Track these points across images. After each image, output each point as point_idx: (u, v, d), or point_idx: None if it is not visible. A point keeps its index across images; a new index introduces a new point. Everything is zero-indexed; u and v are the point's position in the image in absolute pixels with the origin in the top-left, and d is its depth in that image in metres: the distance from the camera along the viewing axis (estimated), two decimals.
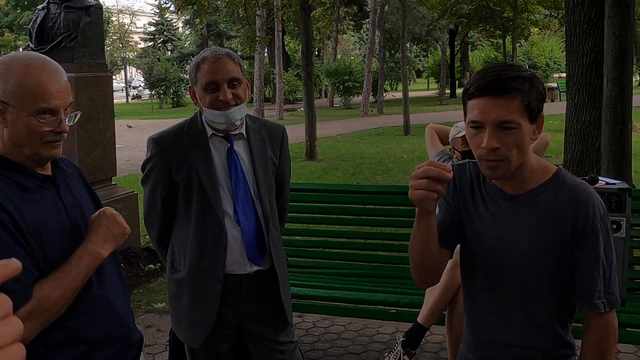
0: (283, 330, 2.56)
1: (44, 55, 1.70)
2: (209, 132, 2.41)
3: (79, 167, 1.97)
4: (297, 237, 4.81)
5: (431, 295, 3.35)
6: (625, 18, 4.42)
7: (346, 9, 37.73)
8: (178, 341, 2.57)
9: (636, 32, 35.99)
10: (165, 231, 2.51)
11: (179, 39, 58.29)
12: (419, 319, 3.43)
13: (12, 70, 1.61)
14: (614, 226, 3.25)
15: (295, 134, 18.41)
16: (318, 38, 41.01)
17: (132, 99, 54.64)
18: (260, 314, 2.50)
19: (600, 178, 3.48)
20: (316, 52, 44.49)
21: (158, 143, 2.43)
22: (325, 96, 40.10)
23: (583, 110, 7.38)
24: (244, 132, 2.46)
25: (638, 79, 35.72)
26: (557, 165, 1.75)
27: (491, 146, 1.58)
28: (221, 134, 2.41)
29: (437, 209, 1.79)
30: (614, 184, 3.43)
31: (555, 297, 1.71)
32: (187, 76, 2.27)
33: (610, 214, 3.25)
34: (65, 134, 1.71)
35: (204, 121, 2.41)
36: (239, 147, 2.44)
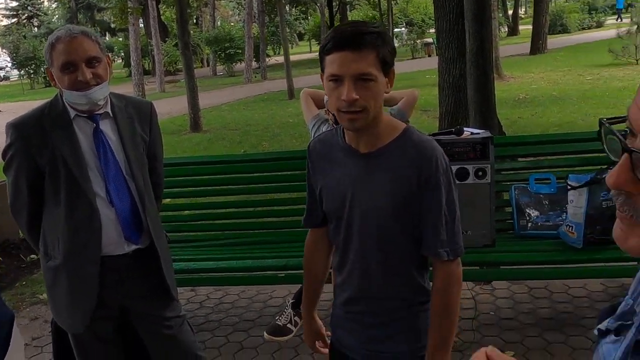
0: (168, 306, 2.55)
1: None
2: (72, 113, 2.33)
3: None
4: (185, 212, 4.77)
5: None
6: None
7: None
8: (61, 330, 2.50)
9: None
10: (35, 218, 2.42)
11: (45, 13, 54.85)
12: None
13: None
14: (480, 173, 3.47)
15: (178, 105, 18.04)
16: (195, 5, 39.93)
17: (0, 81, 51.05)
18: (143, 292, 2.49)
19: (465, 129, 3.68)
20: (194, 20, 43.37)
21: (18, 128, 2.32)
22: (208, 65, 39.31)
23: (453, 64, 7.71)
24: (110, 111, 2.39)
25: (506, 29, 37.67)
26: (406, 123, 1.85)
27: (350, 98, 1.65)
28: (85, 115, 2.34)
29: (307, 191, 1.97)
30: (478, 133, 3.64)
31: (409, 248, 1.81)
32: None
33: (475, 162, 3.48)
34: None
35: (66, 102, 2.32)
36: (106, 127, 2.38)
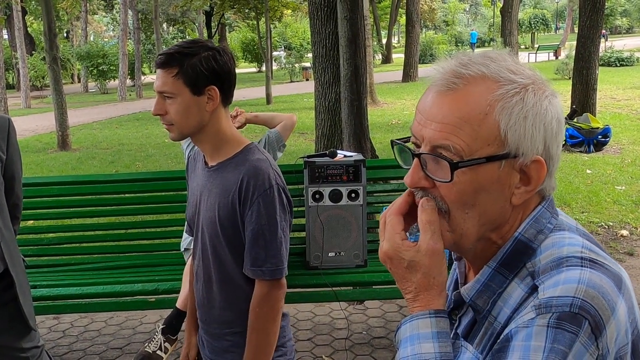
0: (25, 337, 2.37)
1: None
2: None
3: None
4: (50, 235, 4.49)
5: (187, 278, 3.35)
6: (355, 2, 4.80)
7: None
8: None
9: (377, 14, 39.32)
10: None
11: None
12: (177, 304, 3.42)
13: None
14: (353, 195, 3.55)
15: (46, 122, 17.11)
16: (65, 19, 38.27)
17: None
18: None
19: (339, 152, 3.76)
20: (65, 34, 41.52)
21: None
22: (79, 81, 37.65)
23: (329, 88, 7.88)
24: None
25: (380, 57, 39.25)
26: (251, 142, 1.91)
27: (154, 112, 1.79)
28: None
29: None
30: (351, 156, 3.73)
31: (240, 261, 1.84)
32: None
33: (348, 184, 3.56)
34: None
35: None
36: None
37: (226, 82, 1.80)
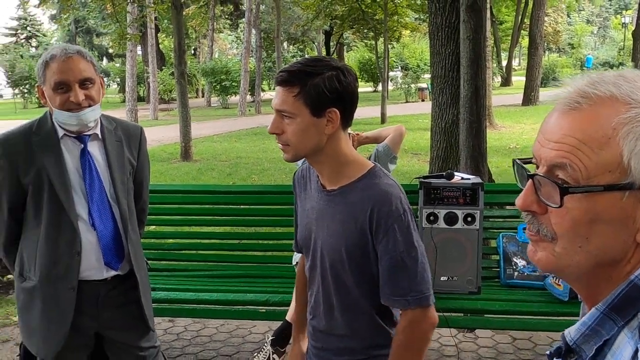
0: (145, 336, 2.48)
1: None
2: (60, 132, 2.29)
3: None
4: (170, 240, 4.70)
5: (298, 292, 3.38)
6: (478, 22, 4.70)
7: (222, 8, 37.39)
8: (30, 354, 2.42)
9: (498, 35, 38.35)
10: (13, 238, 2.35)
11: (44, 34, 55.14)
12: (288, 317, 3.45)
13: None
14: (469, 219, 3.44)
15: (170, 134, 18.04)
16: (194, 36, 40.34)
17: None
18: (120, 320, 2.42)
19: (456, 174, 3.67)
20: (192, 51, 43.73)
21: (3, 144, 2.28)
22: (202, 96, 39.48)
23: (446, 109, 7.75)
24: (99, 133, 2.36)
25: (499, 80, 38.24)
26: (374, 164, 1.82)
27: (270, 131, 1.73)
28: (73, 135, 2.30)
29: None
30: (469, 179, 3.63)
31: (368, 289, 1.76)
32: None
33: (465, 207, 3.46)
34: None
35: (55, 122, 2.29)
36: (94, 148, 2.34)
37: (348, 104, 1.71)
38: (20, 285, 2.35)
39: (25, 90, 36.96)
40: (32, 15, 52.43)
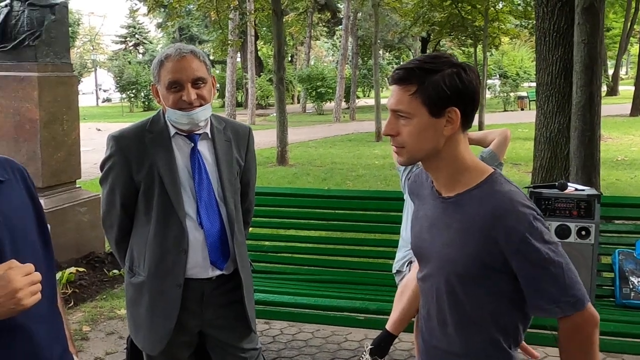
0: (246, 337, 2.47)
1: None
2: (172, 131, 2.32)
3: (23, 171, 1.73)
4: (266, 243, 4.73)
5: (400, 301, 3.28)
6: (595, 25, 4.44)
7: (319, 15, 37.82)
8: (136, 348, 2.46)
9: (604, 43, 36.72)
10: (124, 233, 2.41)
11: (150, 42, 57.80)
12: (387, 326, 3.35)
13: None
14: (583, 232, 3.23)
15: (267, 139, 18.36)
16: (291, 44, 40.99)
17: (103, 102, 53.96)
18: (222, 319, 2.42)
19: (569, 184, 3.46)
20: (289, 58, 44.47)
21: (118, 141, 2.33)
22: (298, 102, 40.07)
23: (552, 117, 7.41)
24: (209, 132, 2.38)
25: (605, 89, 36.45)
26: (494, 169, 1.68)
27: (384, 132, 1.63)
28: (184, 134, 2.33)
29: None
30: (583, 190, 3.42)
31: (486, 304, 1.62)
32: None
33: (579, 220, 3.25)
34: None
35: (167, 120, 2.32)
36: (203, 147, 2.36)
37: (469, 104, 1.59)
38: (130, 281, 2.41)
39: (132, 95, 38.83)
40: (140, 24, 55.10)
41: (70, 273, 5.40)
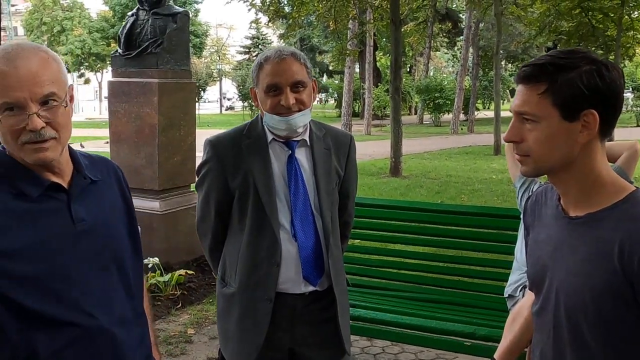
0: (339, 358, 2.32)
1: (18, 42, 1.46)
2: (269, 137, 2.23)
3: (118, 171, 1.73)
4: (373, 256, 4.56)
5: (510, 330, 2.99)
6: None
7: (440, 26, 37.22)
8: None
9: None
10: (218, 241, 2.34)
11: None
12: (496, 356, 3.08)
13: None
14: None
15: (381, 149, 18.23)
16: (410, 54, 40.66)
17: (226, 110, 56.22)
18: (314, 338, 2.28)
19: None
20: (408, 69, 44.13)
21: (214, 146, 2.27)
22: (415, 113, 39.67)
23: None
24: (308, 139, 2.26)
25: None
26: (636, 187, 1.41)
27: (507, 138, 1.43)
28: (282, 140, 2.22)
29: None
30: None
31: (616, 345, 1.35)
32: None
33: None
34: (47, 132, 1.41)
35: (265, 125, 2.23)
36: (301, 155, 2.24)
37: (610, 107, 1.34)
38: (221, 291, 2.33)
39: (253, 103, 40.15)
40: (263, 35, 56.80)
41: (180, 275, 5.50)
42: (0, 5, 6.86)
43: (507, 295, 3.42)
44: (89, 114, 52.56)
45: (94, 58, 46.46)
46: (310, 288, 2.22)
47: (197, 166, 2.35)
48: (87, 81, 58.43)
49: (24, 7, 54.48)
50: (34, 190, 1.45)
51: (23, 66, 1.37)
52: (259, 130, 2.24)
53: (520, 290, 3.18)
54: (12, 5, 55.55)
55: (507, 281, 3.45)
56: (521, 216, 3.20)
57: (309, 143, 2.25)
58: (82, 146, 20.49)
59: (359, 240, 4.63)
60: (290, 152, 2.23)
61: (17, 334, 1.40)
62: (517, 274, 3.25)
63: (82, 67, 49.86)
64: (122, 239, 1.63)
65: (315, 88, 2.22)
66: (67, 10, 47.24)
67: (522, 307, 1.90)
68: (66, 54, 45.60)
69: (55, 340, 1.44)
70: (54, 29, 46.13)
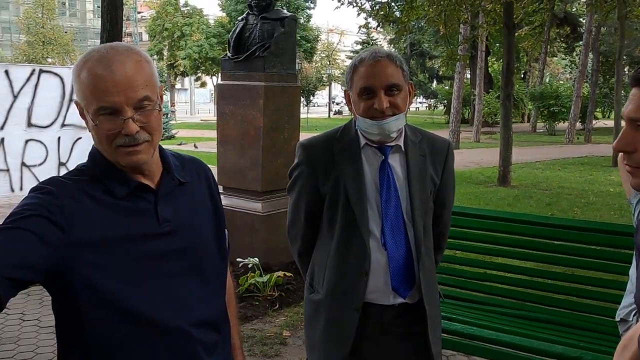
0: None
1: (111, 44, 1.47)
2: (362, 141, 2.16)
3: (208, 172, 1.73)
4: (473, 269, 4.36)
5: (621, 357, 2.76)
6: None
7: (558, 30, 35.62)
8: None
9: None
10: (308, 246, 2.30)
11: None
12: None
13: (77, 67, 1.43)
14: None
15: (490, 157, 17.70)
16: (524, 60, 39.25)
17: (334, 114, 56.75)
18: (402, 352, 2.18)
19: None
20: (521, 75, 42.63)
21: (306, 149, 2.23)
22: (528, 121, 38.23)
23: None
24: (402, 145, 2.17)
25: None
26: None
27: (617, 147, 1.31)
28: (375, 145, 2.15)
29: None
30: None
31: None
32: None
33: None
34: (141, 136, 1.43)
35: (357, 129, 2.16)
36: (395, 161, 2.16)
37: None
38: (309, 297, 2.29)
39: (347, 107, 40.16)
40: (373, 40, 56.82)
41: (279, 276, 5.55)
42: (118, 12, 7.24)
43: (619, 319, 3.15)
44: (204, 115, 54.79)
45: (210, 62, 48.33)
46: (400, 300, 2.13)
47: (289, 169, 2.33)
48: (203, 84, 61.00)
49: (148, 14, 57.68)
50: (122, 189, 1.47)
51: (119, 70, 1.39)
52: (352, 134, 2.18)
53: (635, 315, 2.92)
54: (138, 13, 59.05)
55: (619, 303, 3.18)
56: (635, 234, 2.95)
57: (403, 149, 2.16)
58: (195, 147, 21.36)
59: (460, 252, 4.46)
60: (383, 157, 2.14)
61: (96, 322, 1.43)
62: (631, 297, 2.99)
63: (198, 71, 52.03)
64: (207, 241, 1.62)
65: (411, 92, 2.13)
66: (187, 17, 49.44)
67: (636, 333, 1.71)
68: (184, 58, 47.79)
69: (133, 334, 1.45)
70: (175, 34, 48.39)
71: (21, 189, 7.90)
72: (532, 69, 42.47)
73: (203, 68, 50.69)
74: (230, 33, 6.59)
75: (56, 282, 1.39)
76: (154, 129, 1.46)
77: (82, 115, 1.47)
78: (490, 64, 38.86)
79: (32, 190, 1.43)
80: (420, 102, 68.57)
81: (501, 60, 32.41)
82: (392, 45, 50.49)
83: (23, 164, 7.83)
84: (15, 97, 7.49)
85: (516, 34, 16.05)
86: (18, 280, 1.28)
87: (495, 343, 3.36)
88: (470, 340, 3.43)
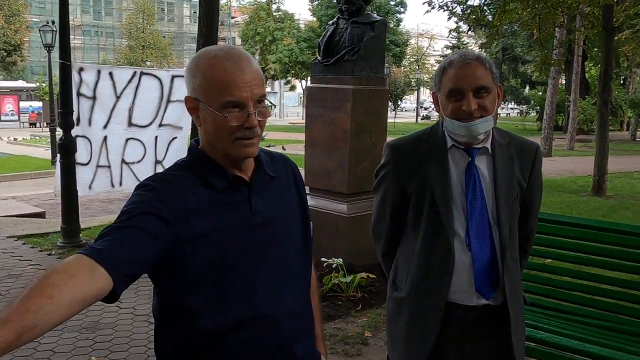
0: None
1: (231, 45, 1.59)
2: (449, 143, 2.18)
3: (296, 170, 1.82)
4: (563, 277, 4.24)
5: None
6: None
7: None
8: None
9: None
10: (392, 245, 2.34)
11: None
12: None
13: (199, 64, 1.54)
14: None
15: (584, 166, 17.04)
16: (625, 65, 37.42)
17: (422, 119, 56.18)
18: (484, 354, 2.18)
19: None
20: (621, 81, 40.69)
21: (393, 149, 2.28)
22: (627, 129, 36.42)
23: None
24: (489, 147, 2.17)
25: None
26: None
27: None
28: (462, 147, 2.16)
29: None
30: None
31: None
32: None
33: None
34: (257, 130, 1.55)
35: (445, 131, 2.19)
36: (481, 163, 2.16)
37: None
38: (392, 295, 2.33)
39: (435, 108, 39.41)
40: (464, 44, 55.83)
41: (362, 278, 5.60)
42: (210, 16, 7.52)
43: None
44: (292, 119, 55.62)
45: (299, 66, 49.00)
46: (483, 301, 2.13)
47: (375, 169, 2.38)
48: (292, 88, 61.90)
49: (241, 19, 59.17)
50: (221, 182, 1.58)
51: (247, 68, 1.52)
52: (439, 135, 2.21)
53: None
54: (232, 18, 60.73)
55: None
56: None
57: (490, 151, 2.17)
58: (283, 149, 21.75)
59: (550, 260, 4.36)
60: (470, 159, 2.16)
61: (197, 310, 1.53)
62: None
63: (288, 75, 52.86)
64: (294, 234, 1.70)
65: (500, 94, 2.13)
66: (279, 22, 50.36)
67: None
68: (275, 62, 48.67)
69: (230, 322, 1.55)
70: (266, 38, 49.39)
71: (120, 184, 8.36)
72: (632, 74, 40.42)
73: (293, 72, 51.44)
74: (321, 37, 6.71)
75: (162, 272, 1.51)
76: (263, 125, 1.58)
77: (191, 110, 1.59)
78: (587, 69, 37.34)
79: (137, 187, 1.55)
80: (511, 108, 66.77)
81: (599, 65, 31.15)
82: (483, 50, 49.42)
83: (123, 161, 8.29)
84: (118, 97, 7.94)
85: (616, 38, 15.36)
86: (133, 275, 1.41)
87: (582, 354, 3.27)
88: (556, 350, 3.35)
